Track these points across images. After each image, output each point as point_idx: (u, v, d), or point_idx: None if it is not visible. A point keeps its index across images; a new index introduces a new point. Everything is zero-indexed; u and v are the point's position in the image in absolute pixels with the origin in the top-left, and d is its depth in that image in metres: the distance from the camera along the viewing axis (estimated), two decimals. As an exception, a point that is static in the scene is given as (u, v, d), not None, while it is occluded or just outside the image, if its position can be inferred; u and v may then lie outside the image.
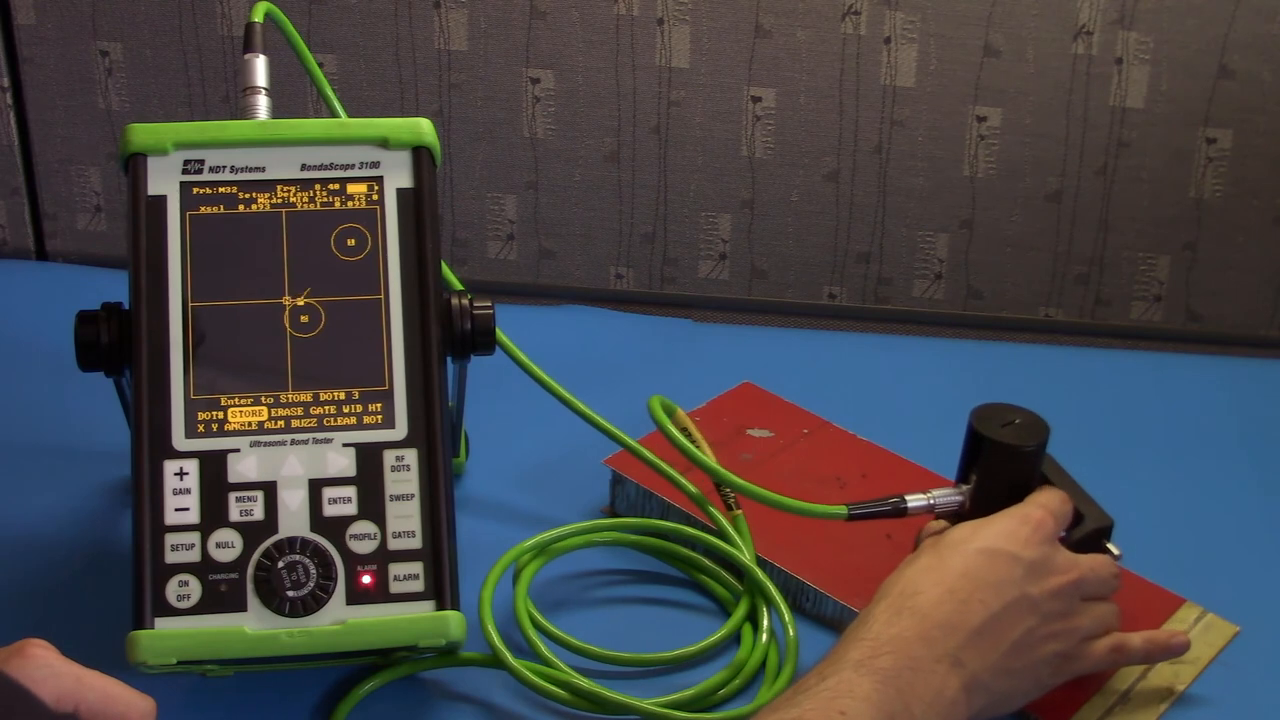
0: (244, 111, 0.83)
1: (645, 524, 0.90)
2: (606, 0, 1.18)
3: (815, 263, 1.26)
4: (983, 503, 0.80)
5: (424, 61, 1.21)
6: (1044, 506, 0.77)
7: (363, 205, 0.78)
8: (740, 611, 0.83)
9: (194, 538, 0.72)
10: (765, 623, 0.82)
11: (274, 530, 0.72)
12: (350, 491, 0.74)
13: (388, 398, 0.75)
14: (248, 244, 0.77)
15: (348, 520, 0.73)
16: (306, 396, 0.75)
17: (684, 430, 0.93)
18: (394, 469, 0.74)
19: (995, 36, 1.16)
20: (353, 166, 0.79)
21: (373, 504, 0.73)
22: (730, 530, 0.87)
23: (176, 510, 0.72)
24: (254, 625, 0.71)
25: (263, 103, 0.83)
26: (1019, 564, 0.73)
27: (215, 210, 0.77)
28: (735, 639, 0.83)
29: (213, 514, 0.72)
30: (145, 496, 0.72)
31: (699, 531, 0.88)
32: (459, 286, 0.86)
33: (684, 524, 0.89)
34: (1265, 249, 1.21)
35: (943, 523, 0.81)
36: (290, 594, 0.71)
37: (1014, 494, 0.80)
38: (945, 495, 0.81)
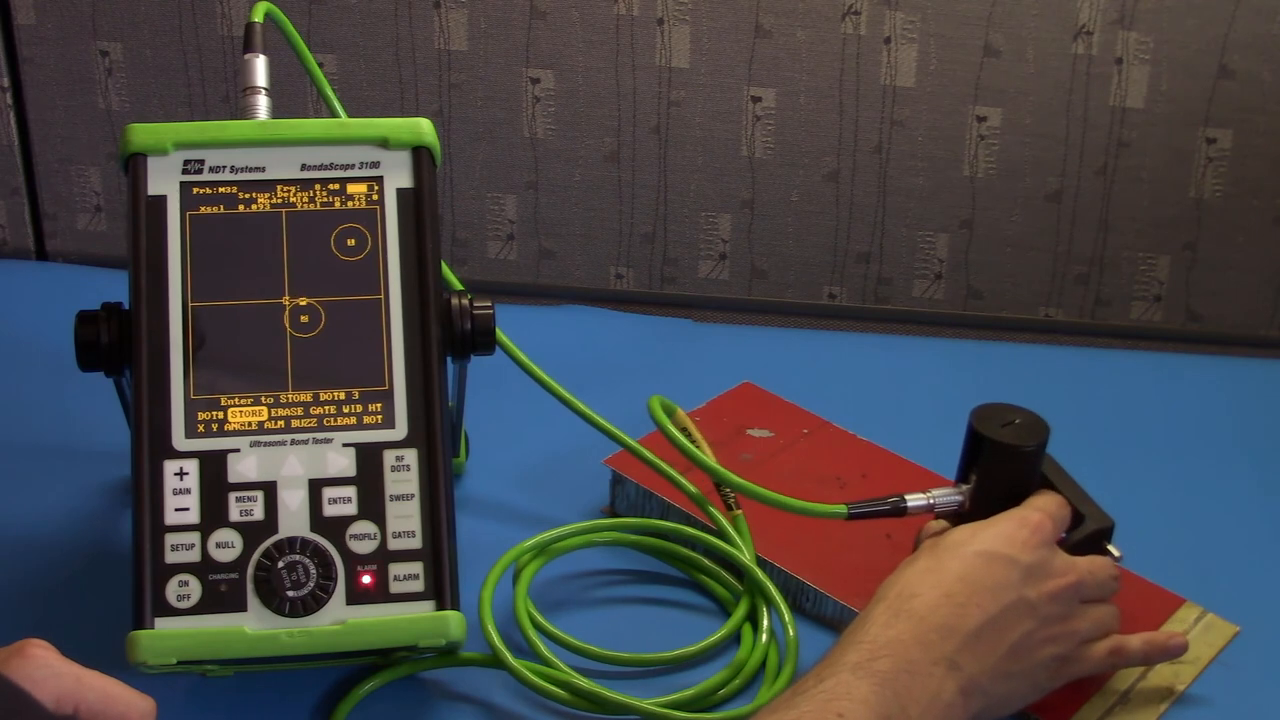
0: (244, 111, 0.83)
1: (645, 524, 0.90)
2: (606, 0, 1.18)
3: (815, 263, 1.26)
4: (982, 502, 0.80)
5: (424, 61, 1.21)
6: (1042, 509, 0.77)
7: (363, 205, 0.78)
8: (740, 611, 0.83)
9: (194, 538, 0.72)
10: (765, 623, 0.82)
11: (274, 530, 0.72)
12: (350, 491, 0.74)
13: (388, 398, 0.75)
14: (248, 244, 0.77)
15: (348, 520, 0.73)
16: (306, 396, 0.75)
17: (684, 430, 0.93)
18: (394, 469, 0.74)
19: (995, 36, 1.16)
20: (353, 166, 0.79)
21: (373, 504, 0.73)
22: (730, 530, 0.87)
23: (176, 510, 0.72)
24: (254, 625, 0.71)
25: (263, 103, 0.83)
26: (1017, 567, 0.73)
27: (215, 210, 0.77)
28: (735, 639, 0.83)
29: (213, 514, 0.72)
30: (145, 496, 0.72)
31: (699, 531, 0.88)
32: (459, 286, 0.86)
33: (684, 524, 0.89)
34: (1265, 249, 1.21)
35: (943, 523, 0.81)
36: (290, 594, 0.71)
37: (1014, 494, 0.80)
38: (945, 495, 0.81)
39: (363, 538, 0.73)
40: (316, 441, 0.74)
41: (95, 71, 1.23)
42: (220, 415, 0.74)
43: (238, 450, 0.74)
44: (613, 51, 1.19)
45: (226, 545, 0.72)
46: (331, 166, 0.78)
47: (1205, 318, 1.24)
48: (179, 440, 0.73)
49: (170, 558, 0.71)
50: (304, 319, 0.76)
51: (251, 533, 0.72)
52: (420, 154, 0.79)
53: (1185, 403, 1.11)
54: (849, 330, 1.25)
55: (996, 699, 0.71)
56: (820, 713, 0.64)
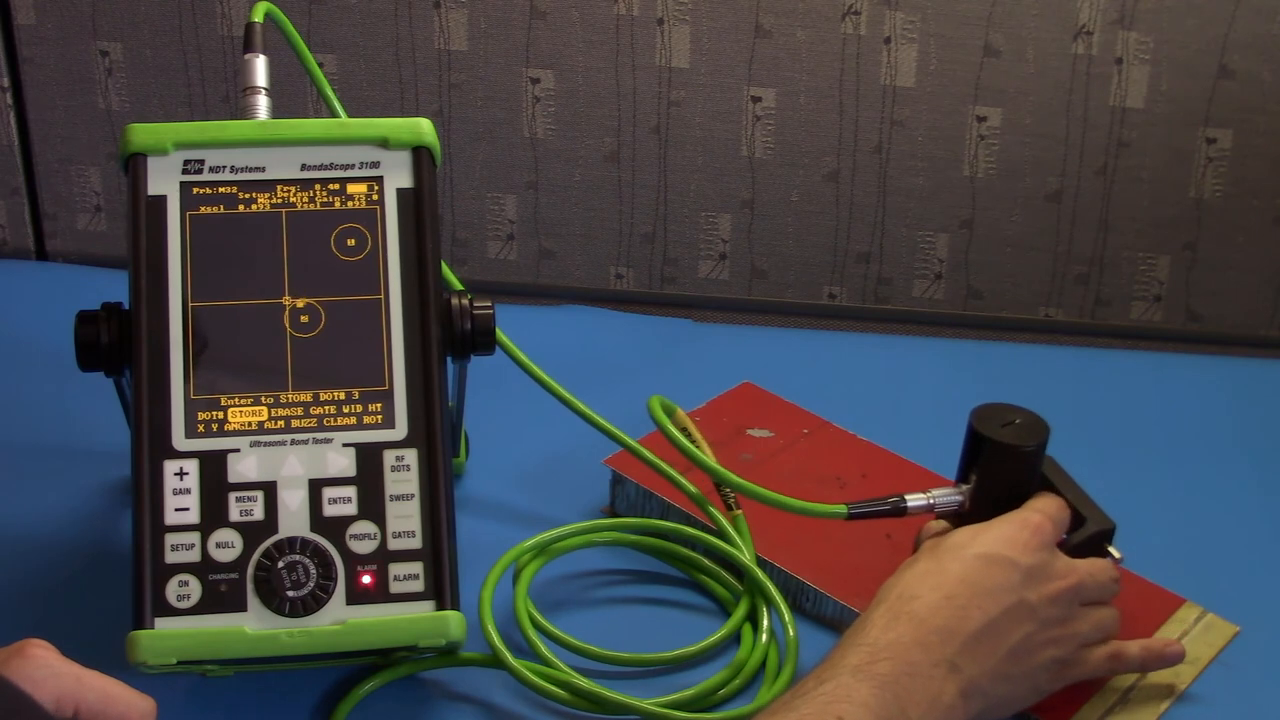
0: (244, 111, 0.83)
1: (645, 524, 0.90)
2: (606, 0, 1.18)
3: (815, 263, 1.26)
4: (982, 502, 0.80)
5: (424, 61, 1.21)
6: (1042, 511, 0.77)
7: (363, 205, 0.78)
8: (740, 611, 0.83)
9: (194, 538, 0.72)
10: (765, 623, 0.82)
11: (274, 530, 0.72)
12: (350, 491, 0.74)
13: (388, 398, 0.75)
14: (248, 244, 0.77)
15: (348, 520, 0.73)
16: (306, 396, 0.75)
17: (684, 430, 0.93)
18: (394, 469, 0.74)
19: (995, 36, 1.16)
20: (353, 166, 0.79)
21: (373, 504, 0.73)
22: (730, 530, 0.87)
23: (176, 510, 0.72)
24: (254, 625, 0.71)
25: (263, 103, 0.83)
26: (1017, 570, 0.73)
27: (215, 210, 0.77)
28: (735, 639, 0.83)
29: (213, 514, 0.72)
30: (145, 496, 0.72)
31: (699, 531, 0.88)
32: (459, 286, 0.86)
33: (684, 524, 0.89)
34: (1265, 249, 1.21)
35: (943, 523, 0.81)
36: (290, 594, 0.71)
37: (1014, 494, 0.80)
38: (945, 495, 0.81)
39: (363, 538, 0.73)
40: (316, 441, 0.74)
41: (95, 71, 1.23)
42: (220, 415, 0.74)
43: (238, 450, 0.74)
44: (613, 51, 1.19)
45: (226, 545, 0.72)
46: (331, 166, 0.78)
47: (1205, 318, 1.24)
48: (179, 440, 0.73)
49: (170, 558, 0.71)
50: (304, 319, 0.76)
51: (251, 533, 0.72)
52: (420, 154, 0.79)
53: (1185, 403, 1.11)
54: (849, 330, 1.25)
55: (996, 701, 0.71)
56: (820, 715, 0.64)
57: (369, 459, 0.74)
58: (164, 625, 0.70)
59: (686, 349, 1.17)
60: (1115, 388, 1.13)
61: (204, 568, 0.71)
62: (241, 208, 0.77)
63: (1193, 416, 1.09)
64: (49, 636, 0.61)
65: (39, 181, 1.27)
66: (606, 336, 1.18)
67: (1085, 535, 0.79)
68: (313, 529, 0.73)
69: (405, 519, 0.73)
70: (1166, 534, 0.92)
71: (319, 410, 0.75)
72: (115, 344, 0.77)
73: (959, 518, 0.81)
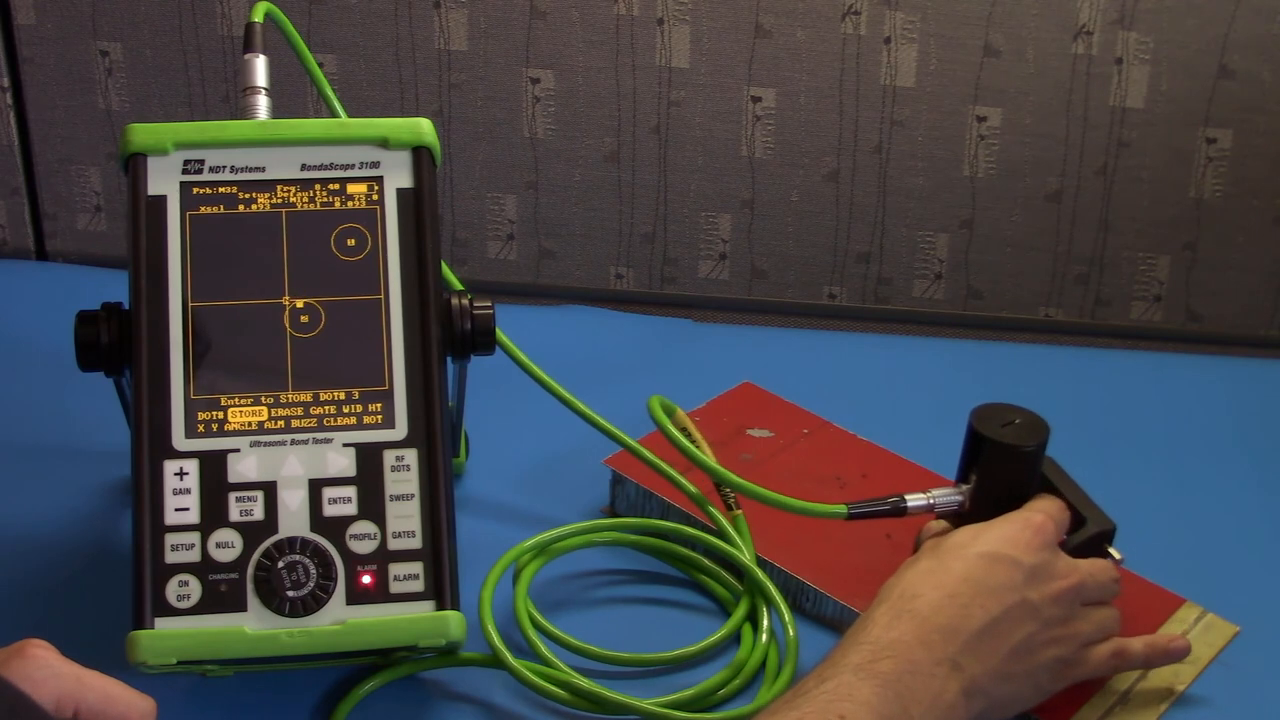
0: (244, 111, 0.83)
1: (645, 524, 0.90)
2: (606, 0, 1.18)
3: (815, 263, 1.26)
4: (982, 502, 0.80)
5: (424, 61, 1.21)
6: (1044, 512, 0.77)
7: (363, 205, 0.78)
8: (740, 611, 0.83)
9: (194, 538, 0.72)
10: (765, 623, 0.82)
11: (274, 530, 0.72)
12: (350, 491, 0.74)
13: (388, 398, 0.75)
14: (248, 244, 0.77)
15: (348, 520, 0.73)
16: (306, 396, 0.75)
17: (684, 430, 0.93)
18: (394, 469, 0.74)
19: (995, 36, 1.16)
20: (353, 166, 0.79)
21: (373, 504, 0.73)
22: (730, 530, 0.87)
23: (176, 510, 0.72)
24: (254, 625, 0.71)
25: (263, 103, 0.83)
26: (1020, 569, 0.73)
27: (215, 210, 0.77)
28: (735, 639, 0.83)
29: (213, 514, 0.72)
30: (145, 496, 0.72)
31: (699, 531, 0.88)
32: (459, 286, 0.86)
33: (684, 524, 0.89)
34: (1265, 249, 1.21)
35: (943, 523, 0.81)
36: (290, 594, 0.71)
37: (1014, 494, 0.80)
38: (945, 495, 0.81)
39: (363, 538, 0.73)
40: (316, 441, 0.74)
41: (95, 71, 1.23)
42: (220, 415, 0.74)
43: (238, 450, 0.74)
44: (613, 51, 1.19)
45: (226, 545, 0.72)
46: (331, 166, 0.78)
47: (1205, 318, 1.24)
48: (179, 440, 0.73)
49: (170, 558, 0.71)
50: (304, 319, 0.76)
51: (251, 533, 0.72)
52: (420, 154, 0.79)
53: (1185, 403, 1.11)
54: (849, 330, 1.25)
55: (998, 700, 0.71)
56: (822, 714, 0.64)
57: (369, 459, 0.74)
58: (164, 625, 0.70)
59: (686, 349, 1.17)
60: (1115, 388, 1.13)
61: (204, 568, 0.71)
62: (241, 208, 0.77)
63: (1193, 416, 1.09)
64: (49, 636, 0.61)
65: (39, 181, 1.27)
66: (606, 336, 1.18)
67: (1086, 536, 0.79)
68: (313, 529, 0.73)
69: (405, 519, 0.73)
70: (1166, 534, 0.92)
71: (319, 410, 0.75)
72: (115, 344, 0.77)
73: (959, 518, 0.81)
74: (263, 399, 0.75)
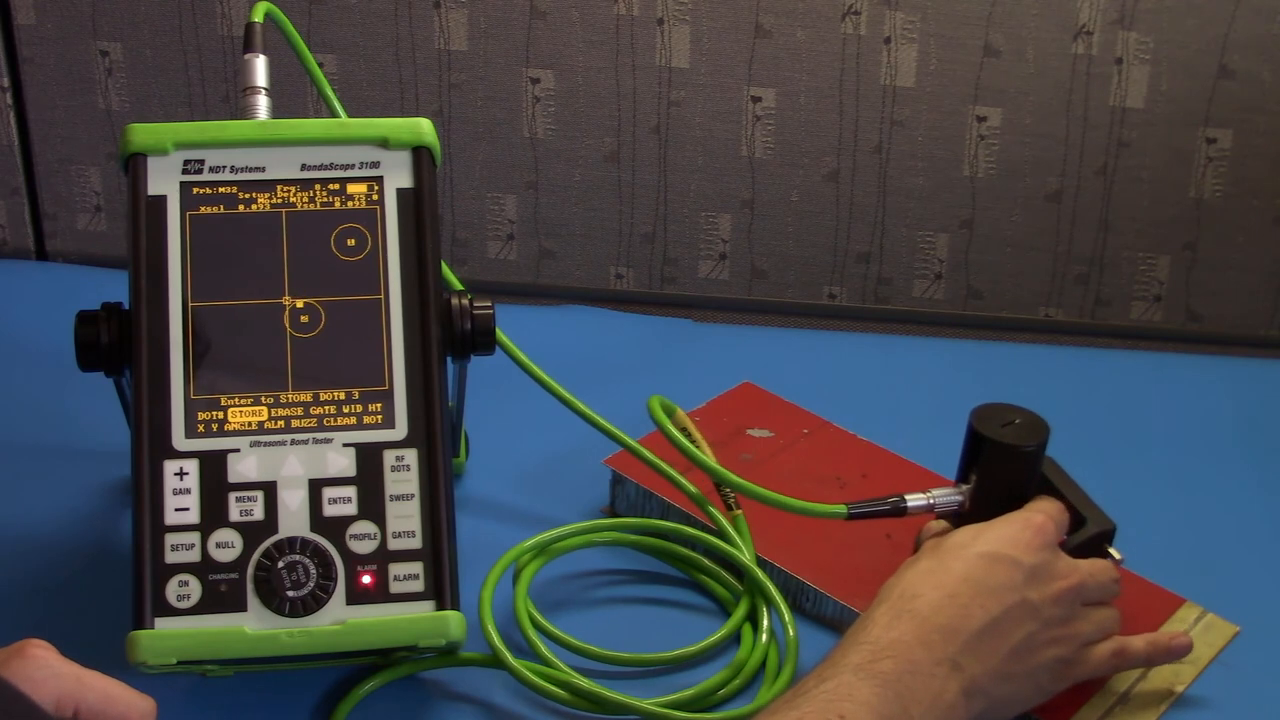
0: (244, 111, 0.83)
1: (645, 524, 0.90)
2: (606, 0, 1.18)
3: (815, 263, 1.26)
4: (982, 502, 0.80)
5: (424, 61, 1.21)
6: (1044, 512, 0.77)
7: (363, 205, 0.78)
8: (740, 611, 0.83)
9: (194, 538, 0.72)
10: (765, 623, 0.82)
11: (274, 530, 0.72)
12: (350, 491, 0.74)
13: (388, 398, 0.75)
14: (248, 244, 0.77)
15: (348, 520, 0.73)
16: (306, 396, 0.75)
17: (684, 430, 0.93)
18: (394, 469, 0.74)
19: (995, 36, 1.16)
20: (353, 166, 0.79)
21: (373, 504, 0.73)
22: (730, 530, 0.87)
23: (176, 510, 0.72)
24: (254, 625, 0.71)
25: (263, 103, 0.83)
26: (1020, 569, 0.73)
27: (215, 210, 0.77)
28: (735, 639, 0.83)
29: (213, 514, 0.72)
30: (145, 496, 0.72)
31: (699, 531, 0.88)
32: (459, 286, 0.86)
33: (684, 524, 0.89)
34: (1265, 249, 1.21)
35: (943, 523, 0.81)
36: (290, 594, 0.71)
37: (1014, 494, 0.80)
38: (945, 495, 0.81)
39: (363, 538, 0.73)
40: (316, 441, 0.74)
41: (95, 71, 1.23)
42: (220, 415, 0.74)
43: (238, 450, 0.74)
44: (613, 51, 1.19)
45: (226, 545, 0.72)
46: (331, 166, 0.78)
47: (1205, 318, 1.24)
48: (179, 440, 0.73)
49: (170, 558, 0.71)
50: (304, 319, 0.76)
51: (251, 533, 0.72)
52: (420, 154, 0.79)
53: (1185, 403, 1.11)
54: (849, 330, 1.25)
55: (998, 700, 0.71)
56: (822, 713, 0.64)
57: (369, 459, 0.74)
58: (164, 625, 0.70)
59: (686, 349, 1.17)
60: (1115, 388, 1.13)
61: (204, 568, 0.71)
62: (241, 208, 0.77)
63: (1193, 416, 1.09)
64: (49, 636, 0.61)
65: (39, 181, 1.27)
66: (606, 336, 1.18)
67: (1086, 536, 0.79)
68: (313, 529, 0.73)
69: (405, 519, 0.73)
70: (1166, 534, 0.92)
71: (319, 410, 0.75)
72: (115, 344, 0.77)
73: (959, 518, 0.81)
74: (263, 399, 0.75)
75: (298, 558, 0.72)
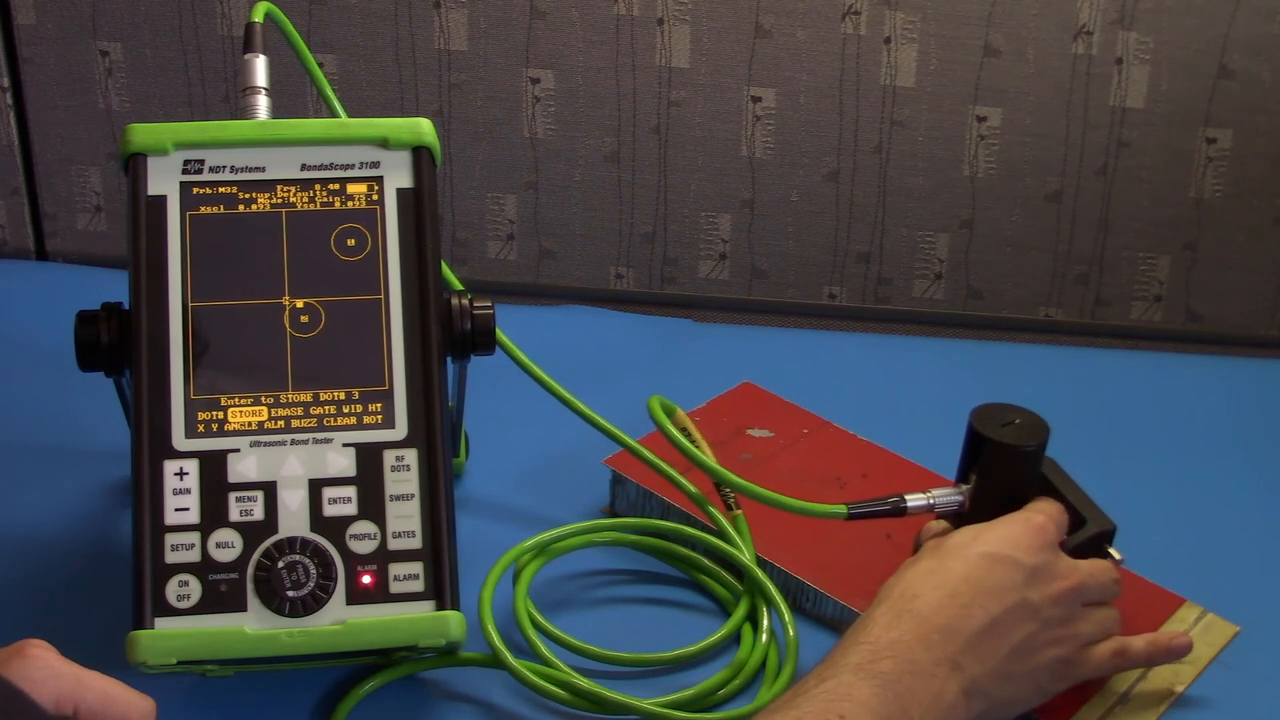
0: (244, 111, 0.83)
1: (645, 524, 0.90)
2: (606, 0, 1.18)
3: (815, 263, 1.26)
4: (982, 502, 0.80)
5: (424, 61, 1.21)
6: (1044, 513, 0.77)
7: (363, 205, 0.78)
8: (740, 611, 0.83)
9: (194, 538, 0.72)
10: (765, 623, 0.82)
11: (274, 530, 0.72)
12: (350, 491, 0.74)
13: (388, 398, 0.75)
14: (248, 244, 0.77)
15: (348, 520, 0.73)
16: (306, 396, 0.75)
17: (684, 430, 0.93)
18: (394, 469, 0.74)
19: (995, 36, 1.16)
20: (353, 166, 0.79)
21: (373, 504, 0.73)
22: (730, 530, 0.87)
23: (176, 510, 0.72)
24: (254, 625, 0.71)
25: (263, 103, 0.83)
26: (1020, 569, 0.73)
27: (215, 210, 0.77)
28: (735, 639, 0.83)
29: (213, 514, 0.72)
30: (145, 496, 0.72)
31: (699, 531, 0.88)
32: (459, 286, 0.86)
33: (684, 524, 0.89)
34: (1265, 249, 1.21)
35: (943, 523, 0.81)
36: (290, 594, 0.71)
37: (1014, 494, 0.80)
38: (945, 495, 0.81)
39: (363, 538, 0.73)
40: (316, 441, 0.74)
41: (95, 71, 1.23)
42: (220, 415, 0.74)
43: (238, 450, 0.74)
44: (613, 51, 1.19)
45: (226, 545, 0.72)
46: (331, 166, 0.78)
47: (1205, 318, 1.24)
48: (179, 440, 0.73)
49: (170, 558, 0.71)
50: (304, 319, 0.76)
51: (251, 533, 0.72)
52: (420, 154, 0.79)
53: (1185, 403, 1.11)
54: (849, 330, 1.25)
55: (998, 701, 0.71)
56: (822, 713, 0.64)
57: (369, 459, 0.74)
58: (164, 625, 0.70)
59: (686, 349, 1.17)
60: (1115, 388, 1.13)
61: (204, 568, 0.71)
62: (241, 208, 0.77)
63: (1193, 416, 1.09)
64: (49, 636, 0.61)
65: (39, 181, 1.27)
66: (606, 336, 1.18)
67: (1086, 536, 0.79)
68: (313, 529, 0.73)
69: (405, 519, 0.73)
70: (1166, 534, 0.92)
71: (319, 410, 0.75)
72: (115, 344, 0.77)
73: (959, 518, 0.81)
74: (263, 399, 0.75)
75: (298, 558, 0.72)
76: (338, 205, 0.78)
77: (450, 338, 0.79)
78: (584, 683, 0.77)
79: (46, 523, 0.90)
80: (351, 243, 0.78)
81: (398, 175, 0.79)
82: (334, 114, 0.90)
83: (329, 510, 0.73)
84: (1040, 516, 0.77)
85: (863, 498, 0.82)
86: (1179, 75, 1.16)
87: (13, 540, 0.88)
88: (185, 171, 0.77)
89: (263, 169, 0.78)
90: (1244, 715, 0.79)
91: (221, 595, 0.71)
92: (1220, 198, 1.20)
